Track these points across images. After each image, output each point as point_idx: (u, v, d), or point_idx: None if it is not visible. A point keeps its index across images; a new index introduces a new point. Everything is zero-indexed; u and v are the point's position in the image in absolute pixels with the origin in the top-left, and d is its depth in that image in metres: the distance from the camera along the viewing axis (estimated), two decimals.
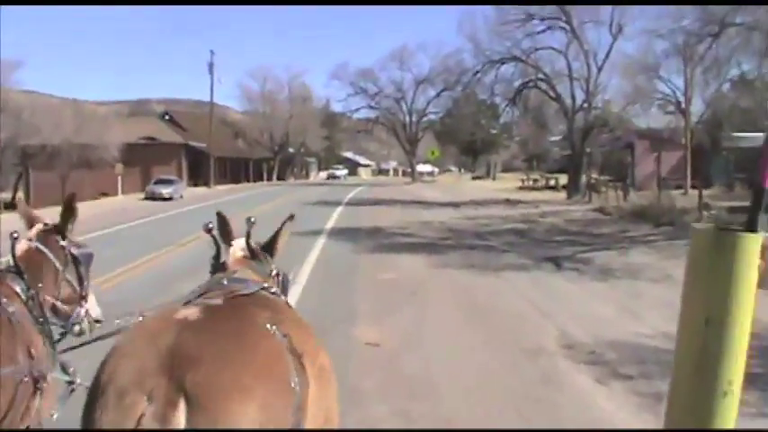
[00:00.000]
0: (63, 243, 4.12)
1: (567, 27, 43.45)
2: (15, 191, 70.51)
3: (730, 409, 2.21)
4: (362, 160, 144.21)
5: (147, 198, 49.03)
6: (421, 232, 24.42)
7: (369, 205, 39.64)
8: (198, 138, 74.62)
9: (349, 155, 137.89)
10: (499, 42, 46.22)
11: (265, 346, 2.55)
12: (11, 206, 62.82)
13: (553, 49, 45.88)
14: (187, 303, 2.79)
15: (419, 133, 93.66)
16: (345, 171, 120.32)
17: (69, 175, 60.09)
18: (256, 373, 2.40)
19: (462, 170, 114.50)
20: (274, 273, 3.52)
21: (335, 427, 2.95)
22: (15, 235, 3.88)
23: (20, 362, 3.42)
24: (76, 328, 4.18)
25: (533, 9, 43.59)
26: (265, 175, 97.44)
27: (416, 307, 12.03)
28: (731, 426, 2.22)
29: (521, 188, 59.29)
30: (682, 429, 2.28)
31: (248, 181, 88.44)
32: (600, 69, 43.45)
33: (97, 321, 4.28)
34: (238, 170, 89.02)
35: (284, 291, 3.53)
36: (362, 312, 11.49)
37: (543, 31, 45.25)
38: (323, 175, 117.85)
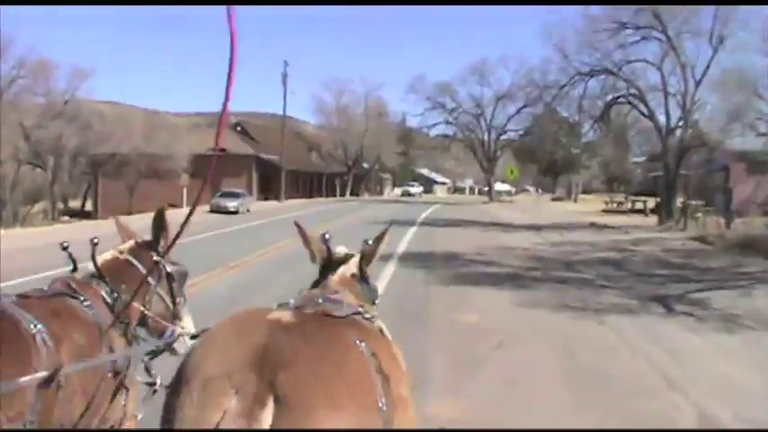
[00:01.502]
0: (156, 259, 4.13)
1: (663, 37, 39.96)
2: (85, 199, 70.54)
3: None
4: (438, 177, 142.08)
5: (212, 211, 47.16)
6: (502, 260, 21.78)
7: (444, 226, 36.94)
8: (270, 150, 73.23)
9: (424, 172, 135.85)
10: (588, 54, 43.13)
11: (356, 361, 2.53)
12: (81, 214, 63.60)
13: (647, 62, 42.44)
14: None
15: (497, 151, 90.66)
16: (420, 188, 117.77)
17: (137, 184, 59.48)
18: (348, 386, 2.36)
19: (540, 190, 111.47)
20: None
21: None
22: (96, 240, 3.98)
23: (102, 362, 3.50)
24: (175, 346, 4.19)
25: (626, 17, 40.23)
26: (339, 191, 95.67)
27: (504, 367, 9.43)
28: None
29: (605, 211, 55.83)
30: None
31: (321, 196, 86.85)
32: (698, 84, 39.88)
33: (193, 338, 4.10)
34: (311, 185, 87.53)
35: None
36: (435, 374, 8.78)
37: (637, 41, 41.81)
38: (397, 191, 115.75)
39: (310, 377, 2.27)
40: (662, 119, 42.51)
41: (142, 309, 4.06)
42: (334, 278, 3.42)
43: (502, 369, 9.35)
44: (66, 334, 3.38)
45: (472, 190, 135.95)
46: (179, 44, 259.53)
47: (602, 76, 44.20)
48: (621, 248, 26.16)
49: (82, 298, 3.68)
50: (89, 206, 67.89)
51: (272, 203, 64.00)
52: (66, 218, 57.77)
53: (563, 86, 46.18)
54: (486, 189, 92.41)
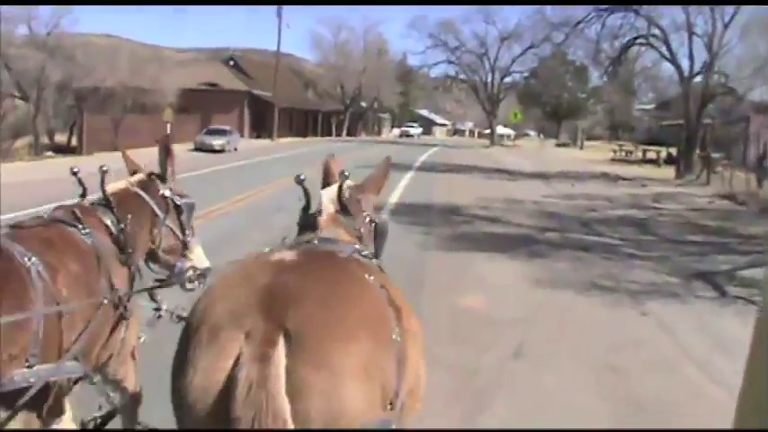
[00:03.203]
0: (164, 191, 4.18)
1: None
2: (71, 135, 67.70)
3: None
4: (438, 119, 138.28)
5: (196, 149, 44.16)
6: (510, 216, 18.97)
7: (443, 172, 33.81)
8: (264, 87, 69.88)
9: (424, 113, 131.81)
10: None
11: (366, 293, 2.49)
12: (66, 150, 60.91)
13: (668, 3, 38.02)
14: None
15: (501, 93, 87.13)
16: (420, 130, 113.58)
17: (123, 119, 56.75)
18: (360, 317, 2.34)
19: (541, 135, 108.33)
20: (367, 220, 3.33)
21: (422, 394, 2.74)
22: (105, 168, 3.92)
23: (99, 290, 3.49)
24: (185, 280, 4.15)
25: None
26: (335, 130, 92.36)
27: (523, 387, 6.67)
28: None
29: (614, 160, 52.67)
30: None
31: (316, 135, 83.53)
32: (727, 26, 36.08)
33: (202, 275, 4.18)
34: (306, 123, 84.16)
35: (378, 239, 3.37)
36: (431, 401, 5.89)
37: None
38: (396, 132, 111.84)
39: (319, 311, 2.23)
40: (684, 63, 39.17)
41: (152, 247, 4.13)
42: (323, 217, 3.18)
43: (520, 389, 6.58)
44: (62, 264, 3.34)
45: (472, 133, 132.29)
46: None
47: (621, 14, 40.48)
48: (643, 205, 23.34)
49: (80, 226, 3.64)
50: (75, 141, 65.05)
51: (262, 142, 61.01)
52: (50, 153, 54.89)
53: (578, 23, 42.20)
54: (487, 132, 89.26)
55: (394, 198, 20.46)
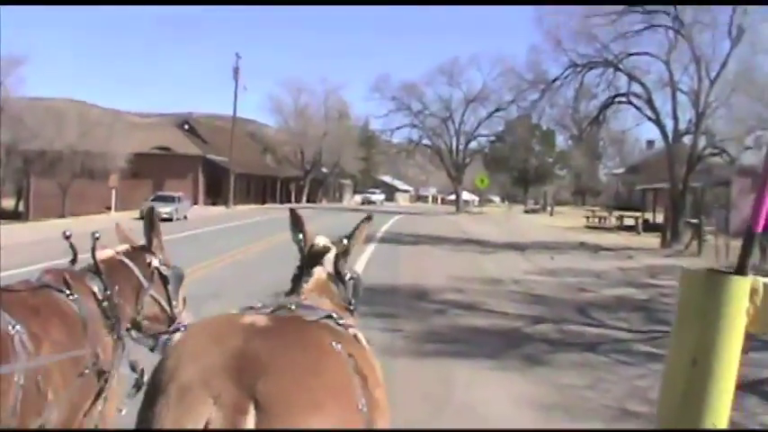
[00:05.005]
0: (152, 261, 4.23)
1: (672, 25, 33.62)
2: (19, 199, 64.62)
3: None
4: (400, 185, 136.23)
5: (141, 218, 40.79)
6: (490, 302, 15.80)
7: (409, 244, 30.39)
8: (220, 152, 67.14)
9: (387, 179, 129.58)
10: (585, 43, 36.55)
11: (334, 363, 2.47)
12: (12, 215, 57.75)
13: (651, 55, 35.82)
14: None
15: (466, 158, 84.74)
16: (382, 196, 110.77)
17: (71, 184, 53.71)
18: (329, 389, 2.33)
19: (506, 201, 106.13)
20: (348, 277, 3.46)
21: None
22: (97, 235, 3.95)
23: (83, 359, 3.48)
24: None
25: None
26: (294, 196, 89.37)
27: None
28: None
29: (588, 227, 49.99)
30: None
31: (275, 201, 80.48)
32: (713, 82, 33.45)
33: None
34: (264, 189, 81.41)
35: (356, 294, 3.48)
36: None
37: (641, 30, 34.92)
38: (358, 198, 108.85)
39: (289, 381, 2.21)
40: (668, 123, 36.53)
41: (134, 316, 4.12)
42: (309, 284, 3.29)
43: None
44: (46, 333, 3.35)
45: (435, 199, 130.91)
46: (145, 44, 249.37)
47: (600, 70, 37.82)
48: (638, 282, 20.35)
49: (68, 292, 3.64)
50: (23, 207, 61.83)
51: (217, 209, 57.85)
52: None
53: (555, 80, 39.51)
54: (451, 198, 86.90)
55: None
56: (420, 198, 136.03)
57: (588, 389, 9.08)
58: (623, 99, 38.71)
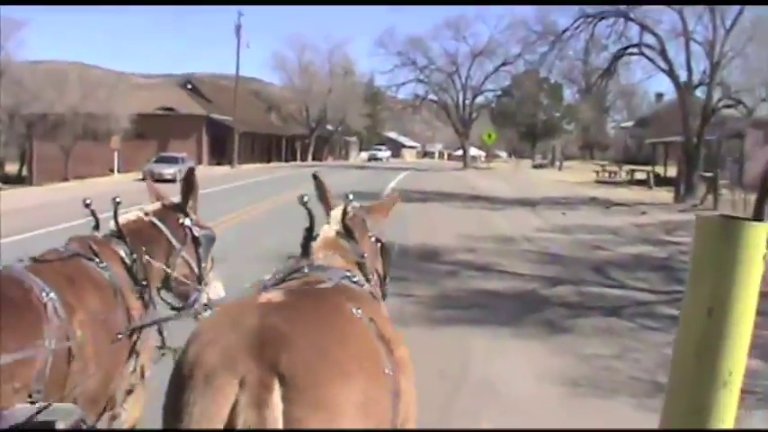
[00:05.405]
0: (184, 221, 4.19)
1: None
2: (22, 164, 64.01)
3: (730, 399, 2.00)
4: (407, 141, 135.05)
5: (143, 179, 40.13)
6: (504, 262, 15.16)
7: (417, 201, 29.50)
8: (224, 111, 65.99)
9: (392, 135, 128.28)
10: None
11: (356, 330, 2.49)
12: (16, 180, 57.15)
13: (664, 2, 34.09)
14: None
15: (473, 113, 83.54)
16: (388, 153, 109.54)
17: (73, 147, 53.03)
18: (353, 356, 2.32)
19: (513, 156, 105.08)
20: (373, 240, 3.45)
21: (414, 419, 2.70)
22: (118, 200, 3.97)
23: (116, 326, 3.52)
24: (196, 312, 3.91)
25: None
26: (299, 155, 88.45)
27: None
28: (731, 415, 1.98)
29: (598, 182, 49.18)
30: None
31: (280, 160, 79.65)
32: (728, 31, 32.32)
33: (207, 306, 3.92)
34: (269, 148, 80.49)
35: (385, 260, 3.50)
36: None
37: None
38: (364, 155, 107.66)
39: (311, 352, 2.20)
40: (681, 74, 35.48)
41: (165, 269, 4.06)
42: (317, 242, 3.28)
43: None
44: (81, 302, 3.38)
45: (441, 155, 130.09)
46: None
47: (611, 20, 36.72)
48: (655, 239, 19.70)
49: (98, 260, 3.66)
50: (26, 171, 61.23)
51: (221, 169, 56.96)
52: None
53: (565, 31, 38.39)
54: (458, 154, 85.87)
55: None
56: (427, 154, 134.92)
57: (615, 359, 8.45)
58: (635, 50, 37.63)
